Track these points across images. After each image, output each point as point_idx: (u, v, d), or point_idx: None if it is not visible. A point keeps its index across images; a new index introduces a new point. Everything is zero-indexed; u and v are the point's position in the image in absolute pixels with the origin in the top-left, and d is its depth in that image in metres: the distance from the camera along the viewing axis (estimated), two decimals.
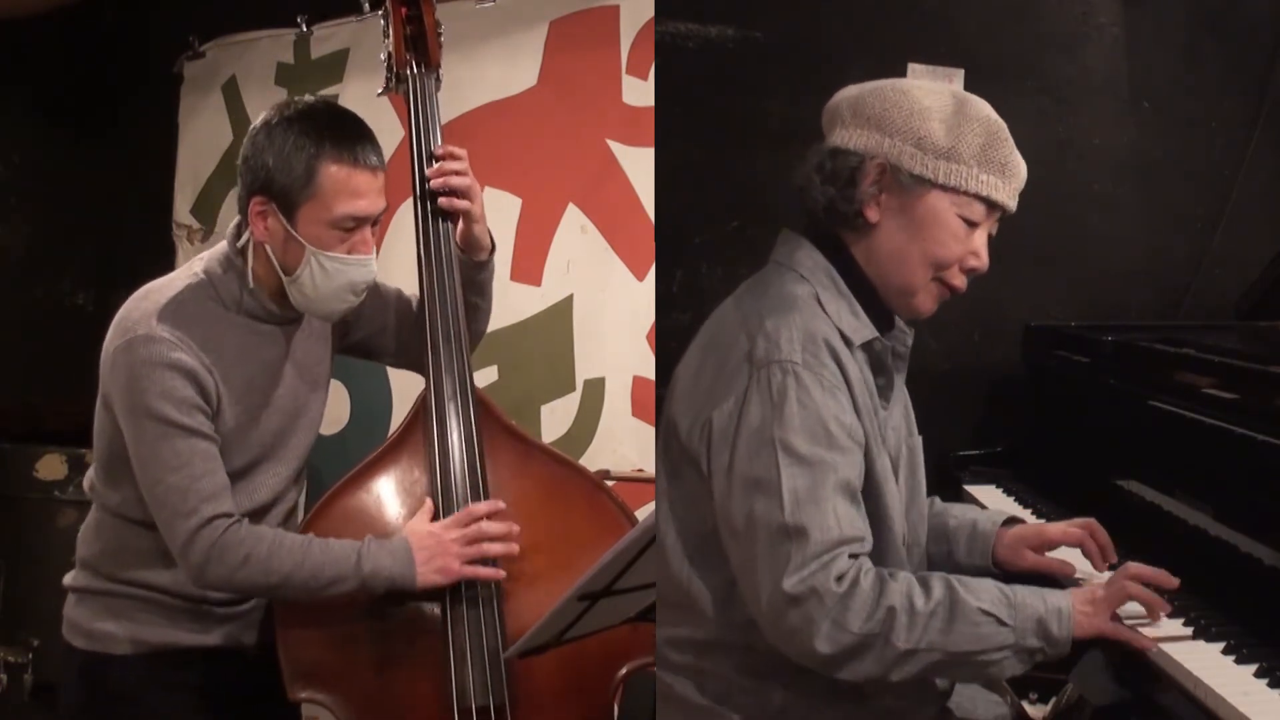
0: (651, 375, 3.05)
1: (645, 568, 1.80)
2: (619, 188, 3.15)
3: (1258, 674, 1.68)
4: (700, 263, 2.95)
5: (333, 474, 2.27)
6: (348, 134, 2.13)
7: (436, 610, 2.15)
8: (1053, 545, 2.08)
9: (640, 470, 2.95)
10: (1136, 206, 3.10)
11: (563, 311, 3.24)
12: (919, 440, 2.02)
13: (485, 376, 3.17)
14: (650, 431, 2.95)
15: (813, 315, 1.82)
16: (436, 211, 2.28)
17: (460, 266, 2.30)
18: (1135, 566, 1.84)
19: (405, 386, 3.20)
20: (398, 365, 2.56)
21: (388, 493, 2.23)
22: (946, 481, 2.69)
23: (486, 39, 3.34)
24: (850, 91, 1.92)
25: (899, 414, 1.97)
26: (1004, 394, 3.00)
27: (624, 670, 2.19)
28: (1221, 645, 1.78)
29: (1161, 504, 2.24)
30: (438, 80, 2.35)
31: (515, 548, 2.15)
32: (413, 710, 2.13)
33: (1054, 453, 2.70)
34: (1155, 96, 3.10)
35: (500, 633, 2.14)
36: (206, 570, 2.08)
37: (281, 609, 2.15)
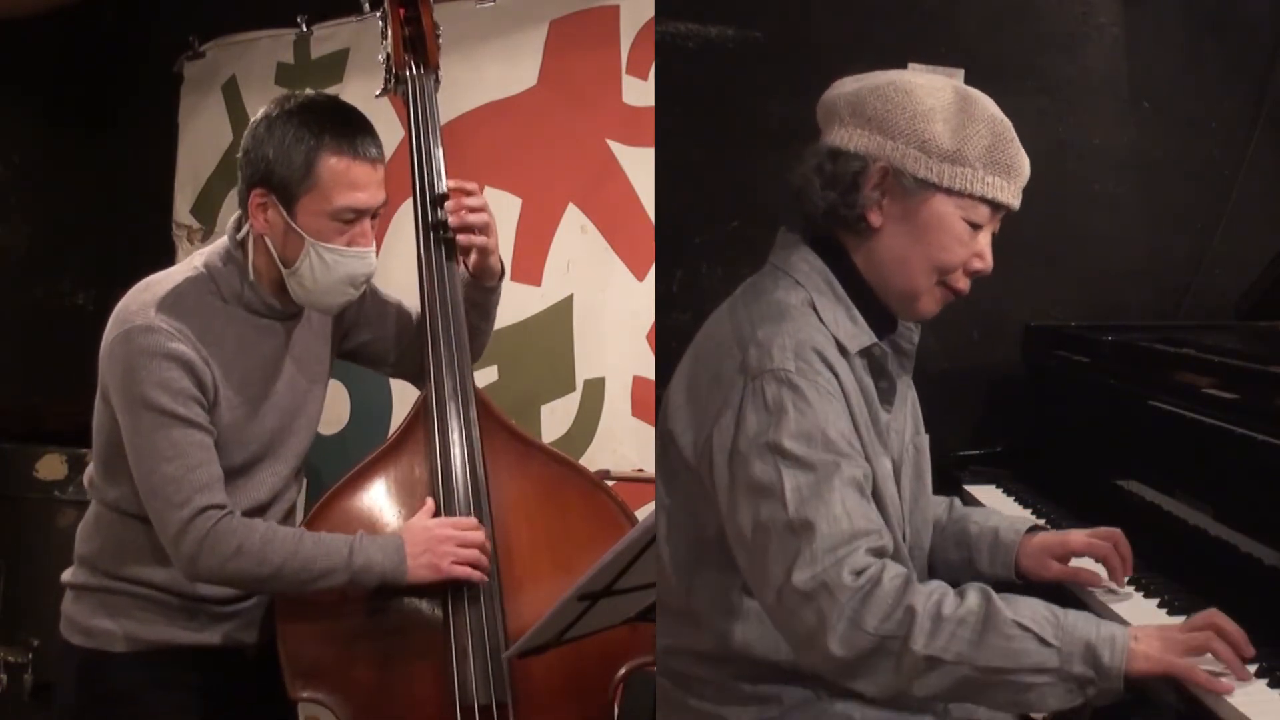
0: (651, 375, 3.04)
1: (645, 568, 1.80)
2: (619, 188, 3.14)
3: (1258, 674, 1.68)
4: (700, 263, 2.94)
5: (333, 474, 2.27)
6: (347, 126, 2.14)
7: (438, 609, 2.15)
8: (1076, 555, 2.01)
9: (640, 470, 2.95)
10: (1136, 206, 3.10)
11: (563, 311, 3.24)
12: (926, 439, 1.98)
13: (485, 376, 3.17)
14: (650, 431, 2.94)
15: (806, 324, 1.78)
16: (439, 223, 2.29)
17: (466, 288, 2.31)
18: (1222, 619, 1.67)
19: (405, 386, 3.18)
20: (396, 375, 2.57)
21: (388, 493, 2.23)
22: (946, 481, 2.68)
23: (486, 39, 3.34)
24: (848, 86, 1.85)
25: (904, 414, 1.92)
26: (1004, 394, 2.99)
27: (624, 670, 2.20)
28: None
29: (1161, 504, 2.24)
30: (436, 81, 2.35)
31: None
32: (413, 709, 2.13)
33: (1054, 453, 2.70)
34: (1155, 96, 3.09)
35: (501, 631, 2.15)
36: (198, 561, 2.08)
37: (282, 608, 2.15)
